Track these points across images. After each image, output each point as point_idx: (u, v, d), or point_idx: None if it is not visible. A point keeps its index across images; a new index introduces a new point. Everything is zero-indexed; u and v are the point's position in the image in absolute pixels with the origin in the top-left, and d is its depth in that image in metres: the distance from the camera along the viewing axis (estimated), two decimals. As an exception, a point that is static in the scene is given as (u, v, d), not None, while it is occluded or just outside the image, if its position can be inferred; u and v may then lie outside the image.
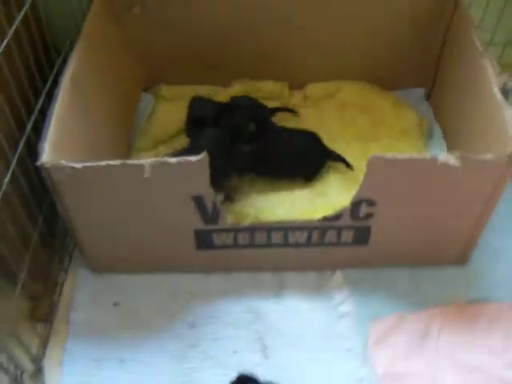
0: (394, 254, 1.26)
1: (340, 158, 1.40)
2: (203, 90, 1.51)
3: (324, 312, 1.24)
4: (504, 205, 1.34)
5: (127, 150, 1.47)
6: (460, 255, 1.27)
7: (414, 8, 1.43)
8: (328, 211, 1.17)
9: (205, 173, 1.07)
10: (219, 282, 1.29)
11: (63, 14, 1.39)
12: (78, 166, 1.04)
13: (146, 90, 1.60)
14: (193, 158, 1.04)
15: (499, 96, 1.15)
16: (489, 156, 1.05)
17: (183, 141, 1.45)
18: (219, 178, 1.28)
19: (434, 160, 1.05)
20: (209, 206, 1.13)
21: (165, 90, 1.58)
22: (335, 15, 1.45)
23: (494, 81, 1.19)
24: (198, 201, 1.12)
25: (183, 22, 1.46)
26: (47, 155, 1.05)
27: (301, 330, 1.21)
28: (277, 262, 1.26)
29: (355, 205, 1.13)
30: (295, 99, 1.57)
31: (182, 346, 1.19)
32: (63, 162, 1.04)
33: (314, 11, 1.44)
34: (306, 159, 1.39)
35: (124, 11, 1.43)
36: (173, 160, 1.04)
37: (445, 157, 1.04)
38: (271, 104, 1.51)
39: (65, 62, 1.22)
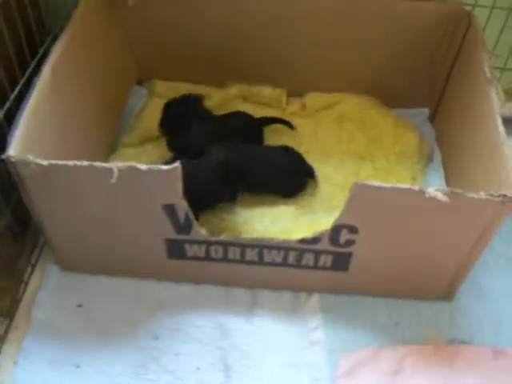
0: (374, 283, 1.19)
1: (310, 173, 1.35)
2: (197, 90, 1.44)
3: (295, 337, 1.18)
4: (500, 241, 1.29)
5: (112, 145, 1.42)
6: (445, 291, 1.20)
7: (424, 25, 1.37)
8: (310, 232, 1.10)
9: (177, 182, 1.01)
10: (189, 293, 1.23)
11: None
12: (44, 163, 0.99)
13: (140, 84, 1.53)
14: (164, 167, 0.98)
15: (501, 129, 1.09)
16: (481, 194, 0.98)
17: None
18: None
19: (421, 193, 0.98)
20: (181, 215, 1.07)
21: (159, 85, 1.52)
22: (339, 27, 1.39)
23: (498, 111, 1.11)
24: (170, 210, 1.06)
25: (181, 18, 1.41)
26: (14, 148, 1.00)
27: (269, 353, 1.16)
28: (251, 278, 1.21)
29: (335, 230, 1.07)
30: (293, 107, 1.50)
31: (142, 357, 1.14)
32: (30, 158, 0.98)
33: (316, 21, 1.39)
34: (281, 176, 1.32)
35: (119, 2, 1.37)
36: (143, 167, 0.98)
37: (433, 191, 0.98)
38: (268, 111, 1.45)
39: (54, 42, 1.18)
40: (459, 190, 0.98)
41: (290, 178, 1.34)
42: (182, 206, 1.05)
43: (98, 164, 0.99)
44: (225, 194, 1.26)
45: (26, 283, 1.25)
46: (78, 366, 1.13)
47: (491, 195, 0.98)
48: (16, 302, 1.21)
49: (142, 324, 1.19)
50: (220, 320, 1.19)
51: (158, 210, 1.06)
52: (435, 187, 0.98)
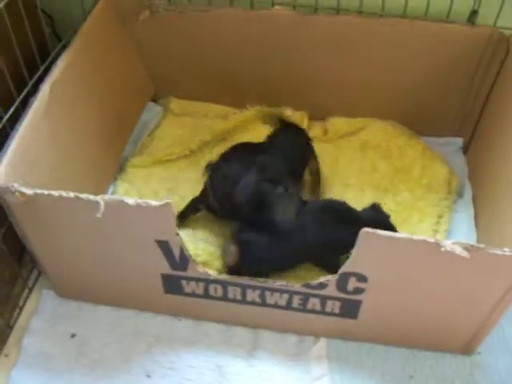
0: (386, 333, 1.10)
1: None
2: (215, 110, 1.38)
3: (297, 385, 1.08)
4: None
5: (120, 165, 1.36)
6: (464, 345, 1.10)
7: (456, 49, 1.27)
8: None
9: (170, 218, 0.93)
10: (187, 329, 1.16)
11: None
12: (28, 192, 0.93)
13: (155, 101, 1.47)
14: (154, 203, 0.91)
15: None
16: (506, 251, 0.87)
17: (182, 164, 1.35)
18: None
19: (437, 246, 0.87)
20: (176, 251, 1.00)
21: (174, 103, 1.46)
22: (365, 50, 1.31)
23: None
24: (164, 245, 0.99)
25: (197, 35, 1.35)
26: (1, 174, 0.95)
27: (267, 401, 1.07)
28: (253, 319, 1.13)
29: (342, 277, 0.98)
30: (314, 132, 1.41)
31: (133, 396, 1.07)
32: (14, 186, 0.93)
33: (340, 44, 1.31)
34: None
35: (131, 16, 1.32)
36: (131, 201, 0.91)
37: (451, 245, 0.87)
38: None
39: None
40: (481, 245, 0.88)
41: None
42: (176, 243, 0.97)
43: (84, 196, 0.92)
44: None
45: (21, 308, 1.20)
46: (67, 400, 1.06)
47: (517, 252, 0.87)
48: (8, 327, 1.16)
49: (135, 359, 1.12)
50: (218, 361, 1.12)
51: (151, 245, 0.99)
52: (452, 240, 0.87)
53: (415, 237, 0.89)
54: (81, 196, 0.92)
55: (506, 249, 0.87)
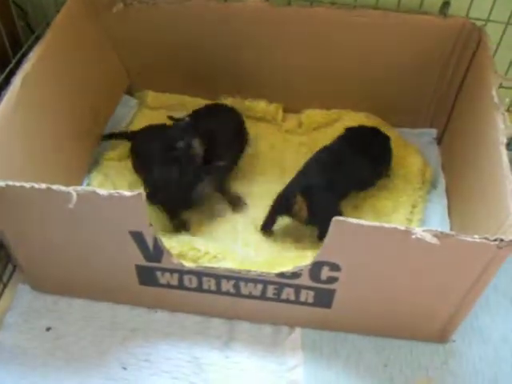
0: (361, 321, 1.11)
1: None
2: (190, 102, 1.37)
3: (272, 376, 1.09)
4: (504, 280, 1.20)
5: (94, 158, 1.35)
6: (438, 334, 1.11)
7: (429, 40, 1.28)
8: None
9: (142, 209, 0.93)
10: (163, 321, 1.16)
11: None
12: (0, 184, 0.91)
13: (131, 94, 1.47)
14: (126, 193, 0.90)
15: (506, 162, 0.99)
16: (476, 237, 0.88)
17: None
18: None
19: (408, 233, 0.88)
20: (149, 242, 1.00)
21: (150, 96, 1.46)
22: (339, 41, 1.32)
23: (504, 141, 1.01)
24: (137, 236, 0.99)
25: (171, 28, 1.35)
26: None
27: (242, 393, 1.07)
28: (228, 310, 1.13)
29: (315, 266, 0.99)
30: (289, 124, 1.42)
31: (109, 389, 1.06)
32: (-15, 177, 0.91)
33: (315, 36, 1.32)
34: None
35: (105, 9, 1.31)
36: (103, 192, 0.90)
37: (421, 232, 0.88)
38: (263, 126, 1.36)
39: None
40: (450, 232, 0.88)
41: None
42: (150, 234, 0.97)
43: (56, 187, 0.92)
44: None
45: (-5, 302, 1.18)
46: (42, 396, 1.05)
47: (486, 239, 0.88)
48: (-17, 322, 1.15)
49: (111, 352, 1.12)
50: (194, 353, 1.12)
51: (125, 236, 0.99)
52: (423, 228, 0.88)
53: (386, 225, 0.90)
54: (53, 187, 0.91)
55: (475, 236, 0.88)
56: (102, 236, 1.01)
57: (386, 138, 1.29)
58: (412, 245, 0.89)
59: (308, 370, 1.09)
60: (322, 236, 1.15)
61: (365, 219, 1.00)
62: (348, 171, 1.22)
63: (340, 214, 1.17)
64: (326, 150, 1.26)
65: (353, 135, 1.28)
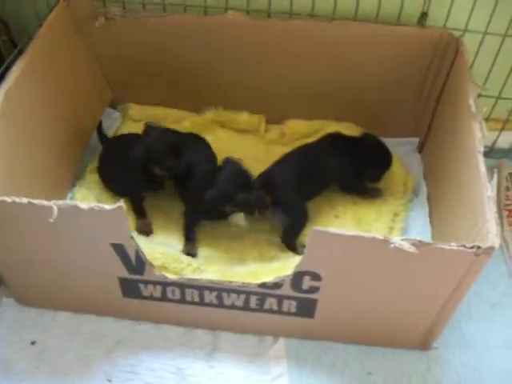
0: (344, 331, 1.12)
1: None
2: (172, 114, 1.38)
3: (256, 386, 1.09)
4: (486, 286, 1.20)
5: (78, 171, 1.36)
6: (421, 341, 1.11)
7: (408, 50, 1.29)
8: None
9: (123, 222, 0.94)
10: (147, 333, 1.16)
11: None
12: (-19, 198, 0.92)
13: (114, 107, 1.47)
14: (107, 207, 0.91)
15: (483, 170, 1.00)
16: (453, 245, 0.89)
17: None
18: None
19: (386, 242, 0.89)
20: (131, 255, 1.00)
21: (133, 109, 1.47)
22: (320, 53, 1.33)
23: (481, 150, 1.03)
24: (119, 249, 1.00)
25: (153, 42, 1.36)
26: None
27: (226, 403, 1.08)
28: (212, 321, 1.14)
29: (296, 276, 0.99)
30: (271, 135, 1.43)
31: (94, 402, 1.07)
32: (-37, 191, 0.92)
33: (296, 48, 1.33)
34: None
35: (87, 23, 1.32)
36: (84, 206, 0.91)
37: (399, 241, 0.89)
38: (246, 138, 1.37)
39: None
40: (428, 241, 0.89)
41: None
42: (132, 246, 0.98)
43: (37, 201, 0.92)
44: None
45: (-20, 317, 1.18)
46: (26, 408, 1.06)
47: (464, 246, 0.89)
48: (-33, 336, 1.15)
49: (96, 364, 1.12)
50: (178, 364, 1.12)
51: (107, 249, 1.00)
52: (401, 237, 0.89)
53: (365, 234, 0.91)
54: (34, 202, 0.92)
55: (453, 243, 0.89)
56: (85, 249, 1.02)
57: (379, 144, 1.31)
58: (391, 254, 0.90)
59: (292, 379, 1.10)
60: (285, 235, 1.17)
61: (347, 228, 1.02)
62: (323, 168, 1.24)
63: (305, 210, 1.20)
64: (305, 146, 1.29)
65: (340, 136, 1.30)
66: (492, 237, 0.90)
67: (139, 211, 1.29)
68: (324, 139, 1.29)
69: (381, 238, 0.90)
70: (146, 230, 1.26)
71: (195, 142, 1.29)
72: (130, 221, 1.25)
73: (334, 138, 1.28)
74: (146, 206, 1.31)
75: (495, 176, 0.97)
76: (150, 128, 1.23)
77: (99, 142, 1.37)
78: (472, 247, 0.89)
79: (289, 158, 1.25)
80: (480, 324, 1.19)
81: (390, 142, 1.35)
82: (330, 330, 1.12)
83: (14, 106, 1.12)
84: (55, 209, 0.92)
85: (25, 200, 0.92)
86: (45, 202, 0.92)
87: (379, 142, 1.30)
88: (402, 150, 1.40)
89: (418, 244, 0.89)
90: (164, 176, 1.24)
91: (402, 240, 0.89)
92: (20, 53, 1.18)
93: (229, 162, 1.21)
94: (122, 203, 0.92)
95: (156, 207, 1.32)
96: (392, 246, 0.89)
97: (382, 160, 1.29)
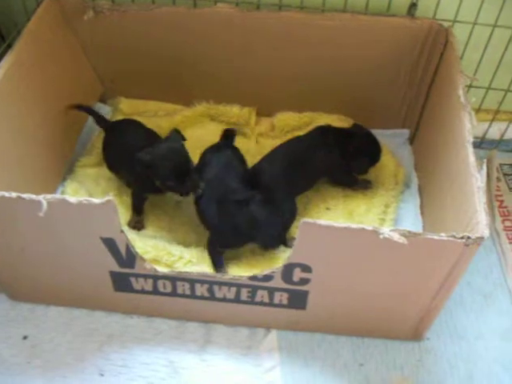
0: (336, 322, 1.12)
1: None
2: (163, 108, 1.37)
3: (249, 378, 1.10)
4: (478, 277, 1.21)
5: (69, 165, 1.36)
6: (412, 332, 1.12)
7: (397, 41, 1.29)
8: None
9: (113, 216, 0.93)
10: (139, 326, 1.17)
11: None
12: (-32, 192, 0.92)
13: (104, 102, 1.47)
14: (96, 200, 0.91)
15: (472, 160, 1.00)
16: (443, 236, 0.89)
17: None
18: None
19: (375, 233, 0.89)
20: (122, 248, 1.00)
21: (124, 103, 1.46)
22: (310, 44, 1.32)
23: (470, 140, 1.03)
24: (110, 243, 0.99)
25: (143, 35, 1.35)
26: None
27: (219, 396, 1.08)
28: (203, 314, 1.14)
29: (287, 268, 0.99)
30: (261, 128, 1.43)
31: (86, 396, 1.07)
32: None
33: (285, 39, 1.32)
34: None
35: (76, 17, 1.31)
36: (73, 200, 0.91)
37: (388, 232, 0.89)
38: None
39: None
40: (418, 231, 0.90)
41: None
42: (122, 240, 0.98)
43: (26, 196, 0.92)
44: None
45: (-28, 312, 1.18)
46: (19, 403, 1.06)
47: (453, 237, 0.89)
48: (-42, 332, 1.15)
49: (88, 358, 1.12)
50: (170, 357, 1.12)
51: (97, 243, 0.99)
52: (390, 228, 0.89)
53: (354, 225, 0.90)
54: (23, 196, 0.92)
55: (442, 234, 0.89)
56: (75, 243, 1.02)
57: (367, 135, 1.30)
58: (381, 245, 0.90)
59: (285, 371, 1.10)
60: None
61: (338, 220, 1.01)
62: (313, 161, 1.24)
63: (294, 205, 1.21)
64: (294, 139, 1.29)
65: (329, 129, 1.30)
66: (482, 227, 0.90)
67: (138, 209, 1.27)
68: (313, 132, 1.29)
69: (370, 229, 0.90)
70: (137, 226, 1.26)
71: None
72: (125, 214, 1.24)
73: (324, 131, 1.27)
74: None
75: (484, 166, 0.97)
76: (173, 135, 1.18)
77: (96, 124, 1.35)
78: (462, 237, 0.89)
79: (278, 153, 1.25)
80: (472, 314, 1.19)
81: (381, 134, 1.35)
82: (322, 322, 1.12)
83: (3, 101, 1.12)
84: (44, 203, 0.91)
85: (14, 194, 0.92)
86: (34, 196, 0.91)
87: (368, 134, 1.29)
88: (393, 141, 1.40)
89: (408, 234, 0.89)
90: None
91: (391, 231, 0.89)
92: (9, 47, 1.18)
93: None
94: (111, 197, 0.91)
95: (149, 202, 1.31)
96: (381, 236, 0.89)
97: (370, 152, 1.29)
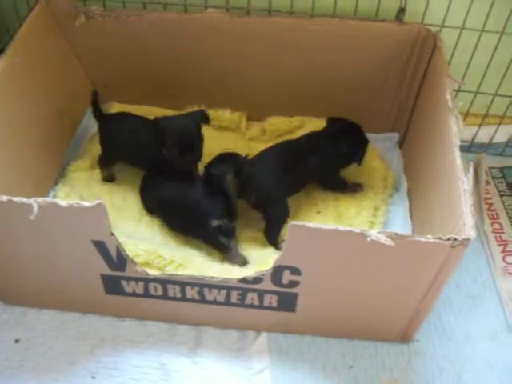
0: (325, 324, 1.13)
1: None
2: (155, 113, 1.37)
3: (240, 380, 1.11)
4: (467, 279, 1.22)
5: (61, 169, 1.37)
6: (401, 333, 1.12)
7: (386, 46, 1.30)
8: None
9: (103, 218, 0.94)
10: (131, 329, 1.17)
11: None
12: (-39, 197, 0.92)
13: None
14: (86, 204, 0.92)
15: (459, 163, 1.02)
16: (429, 238, 0.90)
17: (123, 166, 1.35)
18: None
19: (362, 236, 0.90)
20: (112, 251, 1.01)
21: (116, 108, 1.47)
22: (299, 49, 1.34)
23: (457, 144, 1.04)
24: (100, 246, 1.00)
25: (135, 40, 1.36)
26: None
27: (209, 398, 1.08)
28: (194, 316, 1.14)
29: (276, 271, 1.00)
30: (252, 132, 1.44)
31: (78, 399, 1.07)
32: None
33: (276, 45, 1.34)
34: None
35: (68, 22, 1.33)
36: (63, 203, 0.92)
37: (376, 234, 0.90)
38: (227, 135, 1.38)
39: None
40: (405, 234, 0.91)
41: None
42: (112, 243, 0.98)
43: (17, 199, 0.93)
44: None
45: (-37, 316, 1.19)
46: (7, 408, 1.06)
47: (440, 238, 0.90)
48: (-50, 335, 1.15)
49: (80, 361, 1.13)
50: (162, 360, 1.13)
51: (88, 246, 1.00)
52: (377, 230, 0.90)
53: (341, 228, 0.91)
54: (14, 199, 0.93)
55: (429, 236, 0.90)
56: (66, 246, 1.02)
57: (349, 125, 1.31)
58: (368, 247, 0.91)
59: (275, 373, 1.11)
60: (268, 231, 1.18)
61: (328, 223, 1.02)
62: (303, 165, 1.25)
63: (286, 206, 1.22)
64: (285, 142, 1.30)
65: (314, 133, 1.31)
66: (468, 229, 0.91)
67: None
68: (301, 139, 1.29)
69: (357, 231, 0.91)
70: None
71: None
72: (116, 217, 1.25)
73: (310, 137, 1.28)
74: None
75: (471, 169, 0.98)
76: (194, 113, 1.26)
77: (93, 113, 1.35)
78: (448, 239, 0.90)
79: (270, 155, 1.25)
80: (461, 316, 1.20)
81: (371, 138, 1.36)
82: (312, 324, 1.12)
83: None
84: (35, 206, 0.92)
85: (5, 198, 0.93)
86: (25, 200, 0.92)
87: (348, 123, 1.30)
88: (383, 145, 1.41)
89: (394, 237, 0.90)
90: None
91: (379, 233, 0.90)
92: (1, 52, 1.18)
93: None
94: (101, 200, 0.92)
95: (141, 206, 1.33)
96: (369, 239, 0.90)
97: (358, 139, 1.30)
